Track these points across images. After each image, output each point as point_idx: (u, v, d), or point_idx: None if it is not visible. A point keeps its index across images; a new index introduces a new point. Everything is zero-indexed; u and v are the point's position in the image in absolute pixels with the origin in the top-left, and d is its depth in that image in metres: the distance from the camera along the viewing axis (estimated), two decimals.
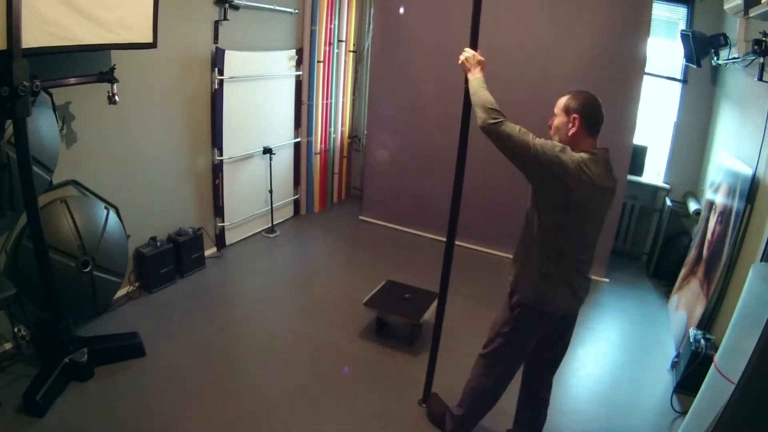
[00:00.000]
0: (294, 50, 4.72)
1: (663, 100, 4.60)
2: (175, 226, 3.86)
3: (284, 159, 4.93)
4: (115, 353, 2.86)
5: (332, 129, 5.39)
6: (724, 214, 3.33)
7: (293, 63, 4.73)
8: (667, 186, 4.66)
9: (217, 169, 4.14)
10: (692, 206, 4.17)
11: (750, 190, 3.03)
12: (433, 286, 2.86)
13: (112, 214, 3.21)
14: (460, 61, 2.15)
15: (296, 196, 5.20)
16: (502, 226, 4.62)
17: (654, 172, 4.78)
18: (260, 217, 4.73)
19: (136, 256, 3.56)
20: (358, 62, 5.58)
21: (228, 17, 3.87)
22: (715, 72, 4.26)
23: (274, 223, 4.82)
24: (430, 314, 3.10)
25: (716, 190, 3.62)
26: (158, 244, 3.62)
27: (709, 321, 3.17)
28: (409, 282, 3.55)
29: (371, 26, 5.17)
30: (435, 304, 2.75)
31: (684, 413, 2.65)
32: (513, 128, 1.93)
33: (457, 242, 2.52)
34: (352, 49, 5.42)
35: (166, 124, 3.65)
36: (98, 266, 3.05)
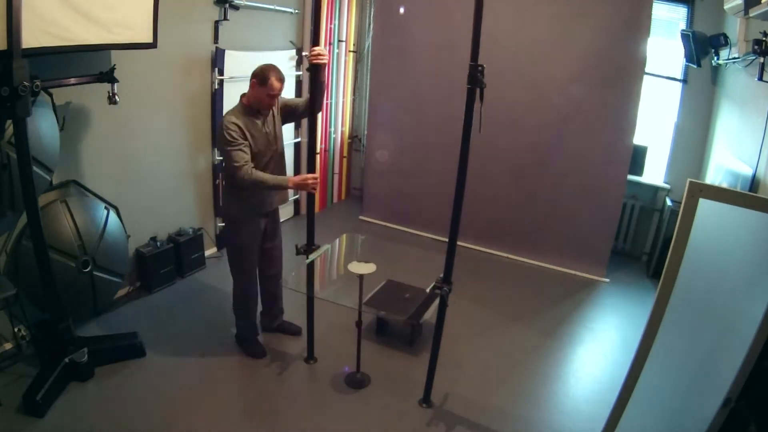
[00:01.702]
0: (294, 50, 4.72)
1: (663, 100, 4.60)
2: (175, 226, 3.86)
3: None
4: (115, 353, 2.86)
5: (332, 129, 5.39)
6: None
7: (293, 63, 4.73)
8: (667, 186, 4.66)
9: (217, 169, 4.14)
10: None
11: (750, 190, 3.03)
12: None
13: (112, 214, 3.20)
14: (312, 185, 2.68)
15: (296, 196, 5.20)
16: (503, 226, 4.63)
17: (654, 172, 4.78)
18: None
19: (136, 256, 3.56)
20: (358, 62, 5.58)
21: (228, 17, 3.86)
22: (716, 72, 4.26)
23: None
24: (430, 314, 3.10)
25: None
26: (158, 244, 3.62)
27: None
28: (410, 282, 3.54)
29: (371, 26, 5.17)
30: (436, 303, 2.75)
31: None
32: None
33: (458, 242, 2.51)
34: (352, 49, 5.42)
35: (166, 124, 3.65)
36: (98, 266, 3.05)
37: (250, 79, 2.62)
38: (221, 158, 2.77)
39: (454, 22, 4.34)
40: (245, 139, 2.61)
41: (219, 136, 2.62)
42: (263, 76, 2.58)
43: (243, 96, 2.70)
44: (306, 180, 2.64)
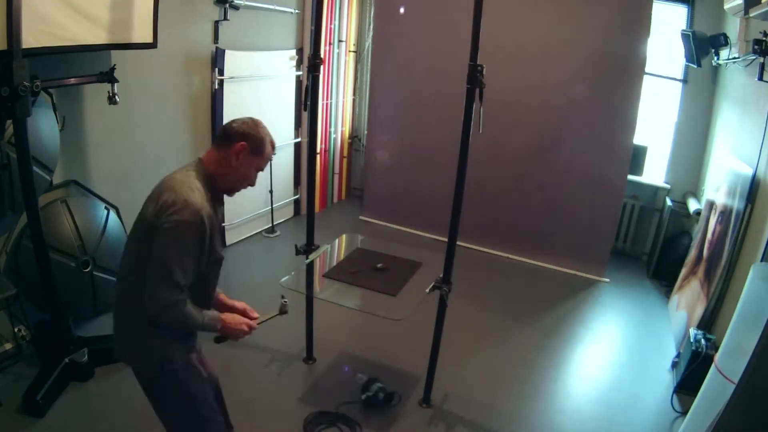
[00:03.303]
0: (294, 50, 4.72)
1: (663, 100, 4.60)
2: None
3: (284, 159, 4.93)
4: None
5: (332, 129, 5.39)
6: (725, 214, 3.33)
7: (293, 63, 4.73)
8: (667, 186, 4.66)
9: None
10: (692, 206, 4.17)
11: (750, 190, 3.03)
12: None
13: (113, 214, 3.20)
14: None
15: (296, 196, 5.20)
16: (503, 226, 4.63)
17: (654, 172, 4.78)
18: (260, 217, 4.73)
19: None
20: (358, 62, 5.58)
21: (228, 17, 3.86)
22: (716, 72, 4.26)
23: (275, 223, 4.82)
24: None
25: (716, 190, 3.62)
26: None
27: (709, 321, 3.17)
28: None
29: (371, 26, 5.17)
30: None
31: (684, 413, 2.65)
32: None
33: (457, 242, 2.51)
34: (352, 49, 5.42)
35: (166, 124, 3.65)
36: (98, 266, 3.05)
37: (234, 142, 1.62)
38: (142, 258, 1.68)
39: (454, 21, 4.33)
40: (202, 248, 1.59)
41: (171, 232, 1.59)
42: (259, 141, 1.65)
43: (202, 163, 1.66)
44: (240, 326, 1.83)
